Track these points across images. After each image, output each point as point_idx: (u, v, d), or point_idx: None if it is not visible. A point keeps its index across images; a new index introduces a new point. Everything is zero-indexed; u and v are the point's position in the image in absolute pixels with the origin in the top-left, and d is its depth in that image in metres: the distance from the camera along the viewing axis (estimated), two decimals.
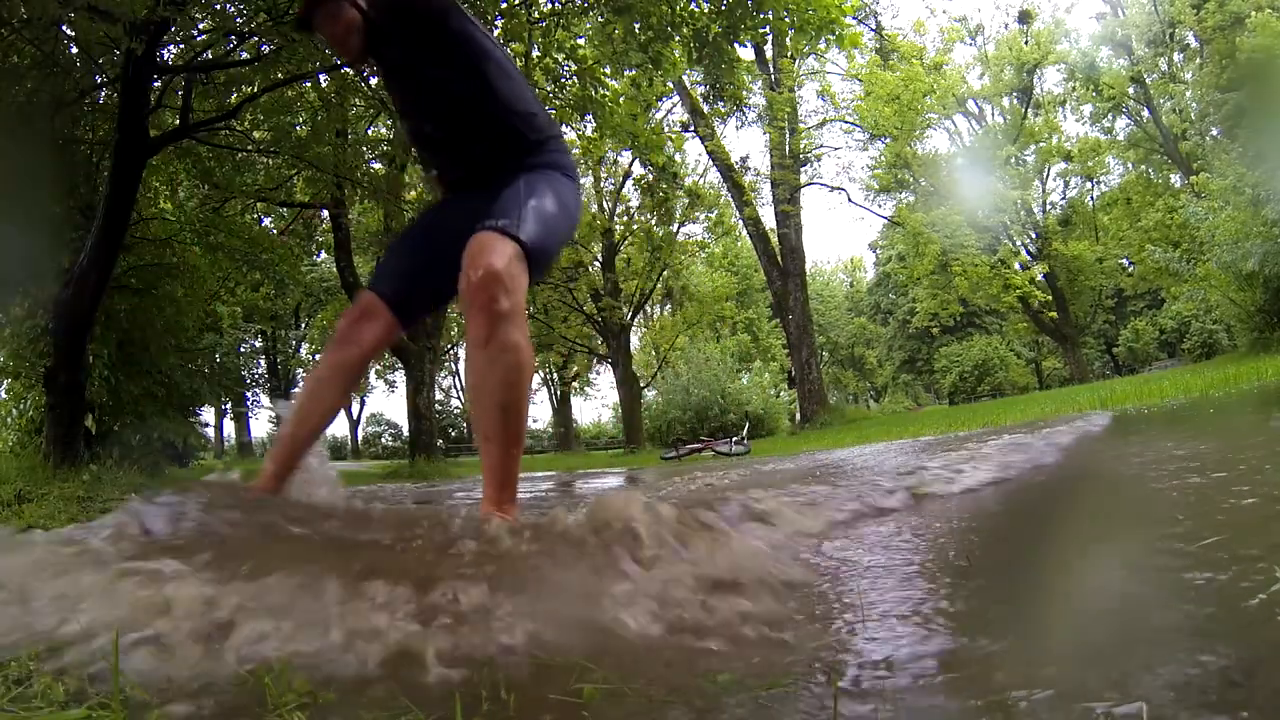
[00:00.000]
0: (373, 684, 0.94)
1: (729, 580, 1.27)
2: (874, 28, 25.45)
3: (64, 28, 7.00)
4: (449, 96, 2.02)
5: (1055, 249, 28.87)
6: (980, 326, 41.72)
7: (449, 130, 2.08)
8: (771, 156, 23.35)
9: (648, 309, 33.66)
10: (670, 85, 18.79)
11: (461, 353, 46.16)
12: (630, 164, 25.15)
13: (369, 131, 14.55)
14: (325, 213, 16.43)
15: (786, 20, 8.35)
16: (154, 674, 0.95)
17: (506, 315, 1.69)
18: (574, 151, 16.94)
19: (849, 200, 26.97)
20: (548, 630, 1.04)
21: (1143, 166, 29.57)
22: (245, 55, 8.07)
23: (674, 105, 23.69)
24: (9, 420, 9.45)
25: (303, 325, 28.66)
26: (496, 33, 8.56)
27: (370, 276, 2.20)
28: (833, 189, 26.21)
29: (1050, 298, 28.18)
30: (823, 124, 25.31)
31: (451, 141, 2.11)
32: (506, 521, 1.52)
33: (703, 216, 27.26)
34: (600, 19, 9.04)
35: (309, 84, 9.87)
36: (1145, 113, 28.63)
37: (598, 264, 26.78)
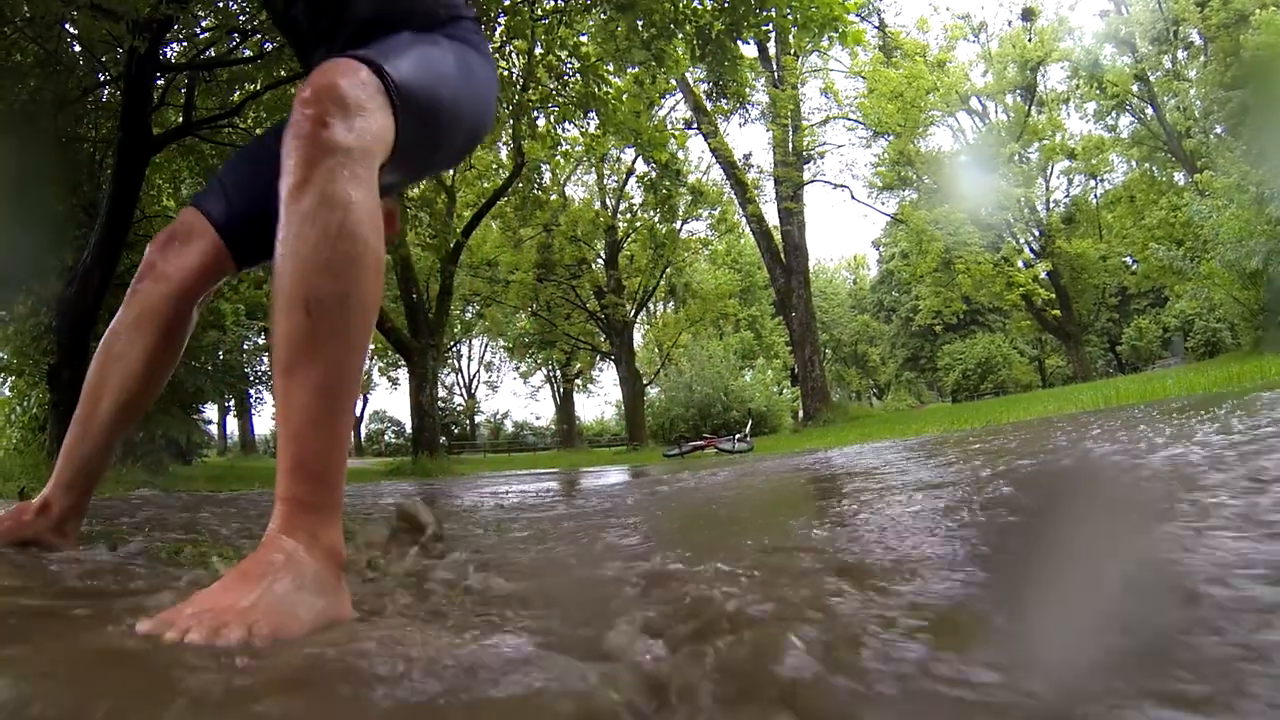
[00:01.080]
0: None
1: None
2: (877, 25, 25.43)
3: (67, 26, 7.01)
4: None
5: (1059, 247, 28.83)
6: (983, 324, 41.69)
7: None
8: (774, 154, 23.34)
9: (651, 306, 33.63)
10: (673, 82, 18.79)
11: (465, 350, 46.35)
12: (633, 161, 25.14)
13: None
14: None
15: (789, 17, 8.34)
16: None
17: (340, 150, 1.01)
18: (577, 148, 16.99)
19: (852, 198, 27.02)
20: None
21: (1146, 164, 29.50)
22: (248, 53, 8.08)
23: (677, 102, 23.69)
24: (13, 418, 9.48)
25: None
26: (500, 30, 8.56)
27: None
28: (836, 186, 26.18)
29: (1054, 295, 28.16)
30: (826, 121, 25.29)
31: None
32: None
33: (706, 214, 27.26)
34: (603, 16, 9.03)
35: None
36: (1149, 110, 28.55)
37: (601, 261, 26.79)
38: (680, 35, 8.43)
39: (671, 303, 35.40)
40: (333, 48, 1.37)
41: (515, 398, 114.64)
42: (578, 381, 41.74)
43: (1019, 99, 29.76)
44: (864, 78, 24.27)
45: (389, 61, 1.15)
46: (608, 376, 42.59)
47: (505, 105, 9.42)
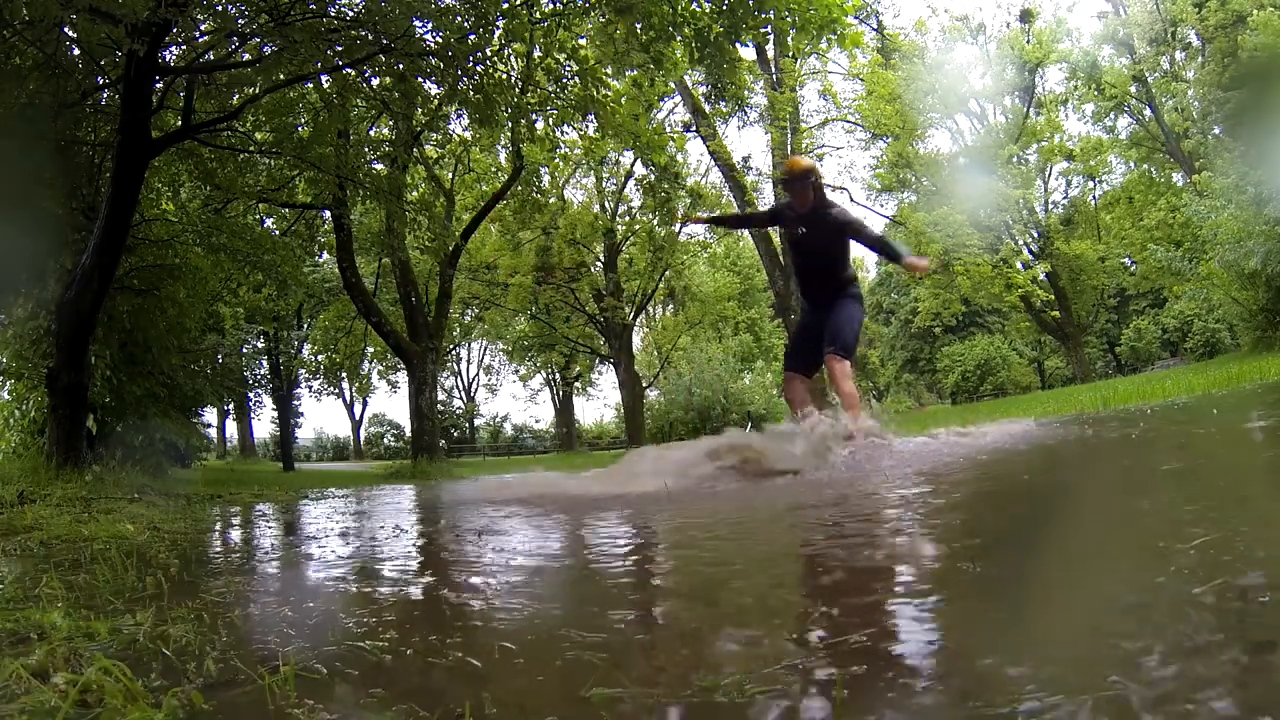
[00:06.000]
0: None
1: None
2: (875, 27, 25.44)
3: (66, 29, 7.01)
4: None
5: (1057, 248, 28.84)
6: (983, 326, 41.72)
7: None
8: (773, 156, 23.32)
9: (650, 309, 33.67)
10: (672, 85, 18.79)
11: (464, 353, 46.33)
12: (632, 164, 25.15)
13: (371, 132, 14.55)
14: (327, 213, 16.44)
15: (788, 20, 8.34)
16: None
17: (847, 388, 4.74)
18: (576, 151, 17.00)
19: (851, 200, 26.99)
20: None
21: (1145, 165, 29.53)
22: (247, 56, 8.07)
23: (675, 105, 23.69)
24: (11, 421, 9.45)
25: (305, 326, 28.64)
26: (499, 33, 8.57)
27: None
28: (835, 188, 26.18)
29: (1052, 297, 28.17)
30: (824, 123, 25.28)
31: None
32: None
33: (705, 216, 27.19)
34: (602, 19, 9.03)
35: (310, 85, 9.88)
36: (1147, 111, 28.58)
37: (600, 264, 26.80)
38: (679, 38, 8.43)
39: (670, 305, 35.40)
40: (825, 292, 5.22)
41: (514, 401, 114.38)
42: (577, 384, 41.73)
43: (1017, 100, 29.79)
44: (862, 80, 24.25)
45: (846, 342, 4.96)
46: (607, 379, 42.59)
47: (504, 108, 9.41)
